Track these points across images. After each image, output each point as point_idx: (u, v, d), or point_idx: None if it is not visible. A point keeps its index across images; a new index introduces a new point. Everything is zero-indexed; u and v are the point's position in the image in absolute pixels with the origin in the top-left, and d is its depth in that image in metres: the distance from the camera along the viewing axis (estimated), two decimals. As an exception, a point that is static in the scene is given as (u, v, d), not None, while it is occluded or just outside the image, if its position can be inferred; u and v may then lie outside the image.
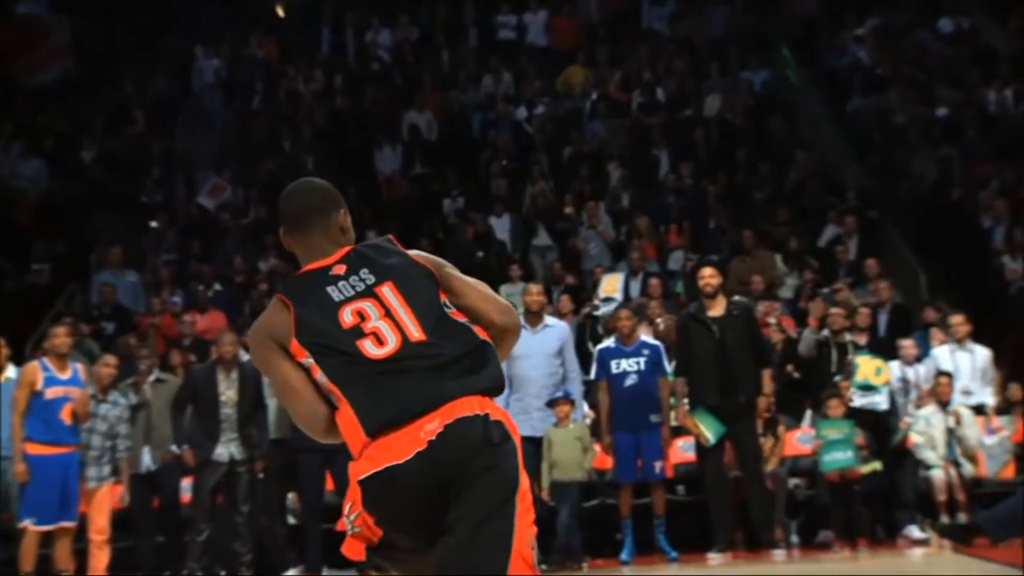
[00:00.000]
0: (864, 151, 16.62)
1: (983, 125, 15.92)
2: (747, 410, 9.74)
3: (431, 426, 3.08)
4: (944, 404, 10.97)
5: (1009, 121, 15.96)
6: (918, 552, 10.17)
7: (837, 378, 11.08)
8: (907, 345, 11.63)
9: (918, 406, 11.17)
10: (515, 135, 17.80)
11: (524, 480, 3.16)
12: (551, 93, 18.64)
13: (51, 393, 9.29)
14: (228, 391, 9.93)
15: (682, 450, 10.60)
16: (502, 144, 17.50)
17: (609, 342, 10.26)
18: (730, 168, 16.41)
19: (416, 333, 3.18)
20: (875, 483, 10.68)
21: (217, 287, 15.26)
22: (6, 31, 19.85)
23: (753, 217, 15.22)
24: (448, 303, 3.30)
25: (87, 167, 18.09)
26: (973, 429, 10.96)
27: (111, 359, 10.22)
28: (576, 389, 10.22)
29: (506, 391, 3.61)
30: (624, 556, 9.83)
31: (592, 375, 10.36)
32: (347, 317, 3.20)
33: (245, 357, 10.72)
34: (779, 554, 9.70)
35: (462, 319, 3.29)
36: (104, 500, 9.74)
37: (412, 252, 3.39)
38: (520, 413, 9.45)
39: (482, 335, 3.29)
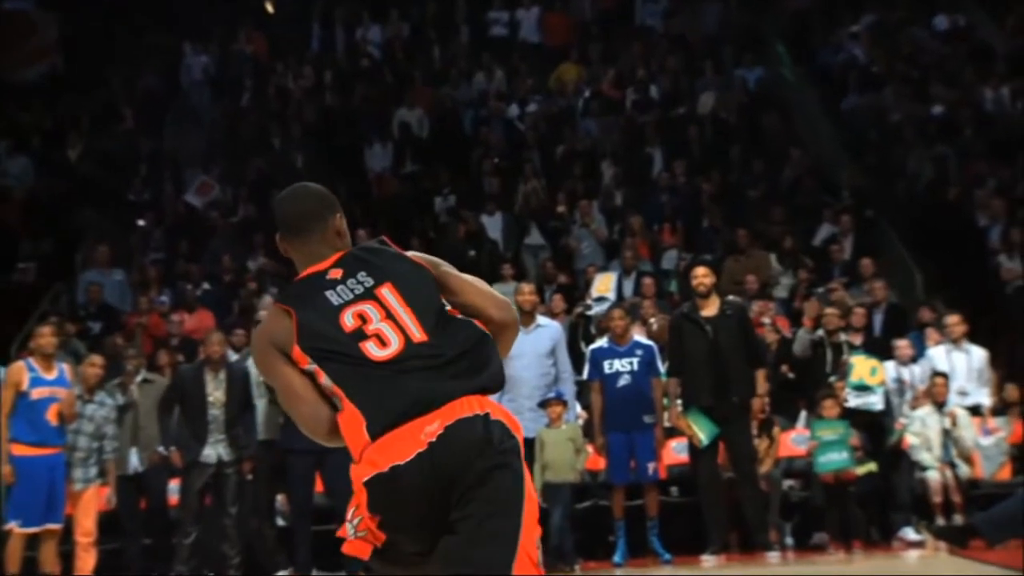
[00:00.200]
0: (859, 149, 16.63)
1: (979, 123, 15.94)
2: (740, 411, 9.74)
3: (431, 428, 3.10)
4: (940, 405, 10.98)
5: (1005, 119, 15.98)
6: (914, 554, 10.19)
7: (832, 378, 11.09)
8: (902, 345, 11.64)
9: (913, 407, 11.17)
10: (507, 133, 17.80)
11: (529, 480, 3.18)
12: (544, 90, 18.64)
13: (37, 394, 9.27)
14: (216, 392, 9.91)
15: (675, 451, 10.59)
16: (494, 142, 17.49)
17: (602, 342, 10.26)
18: (724, 166, 16.42)
19: (418, 334, 3.21)
20: (870, 484, 10.69)
21: (205, 286, 15.21)
22: (-7, 27, 19.82)
23: (747, 216, 15.22)
24: (446, 302, 3.33)
25: (74, 165, 18.05)
26: (969, 430, 10.97)
27: (97, 359, 10.20)
28: (568, 389, 10.21)
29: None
30: (617, 558, 9.83)
31: (585, 375, 10.36)
32: (348, 320, 3.23)
33: (234, 357, 10.73)
34: (773, 556, 9.71)
35: (462, 316, 3.32)
36: (90, 502, 9.72)
37: (408, 253, 3.41)
38: (512, 414, 9.42)
39: (482, 329, 3.32)
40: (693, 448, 9.82)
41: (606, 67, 18.60)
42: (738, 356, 9.74)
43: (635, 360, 9.93)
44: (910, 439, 10.92)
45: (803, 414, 11.51)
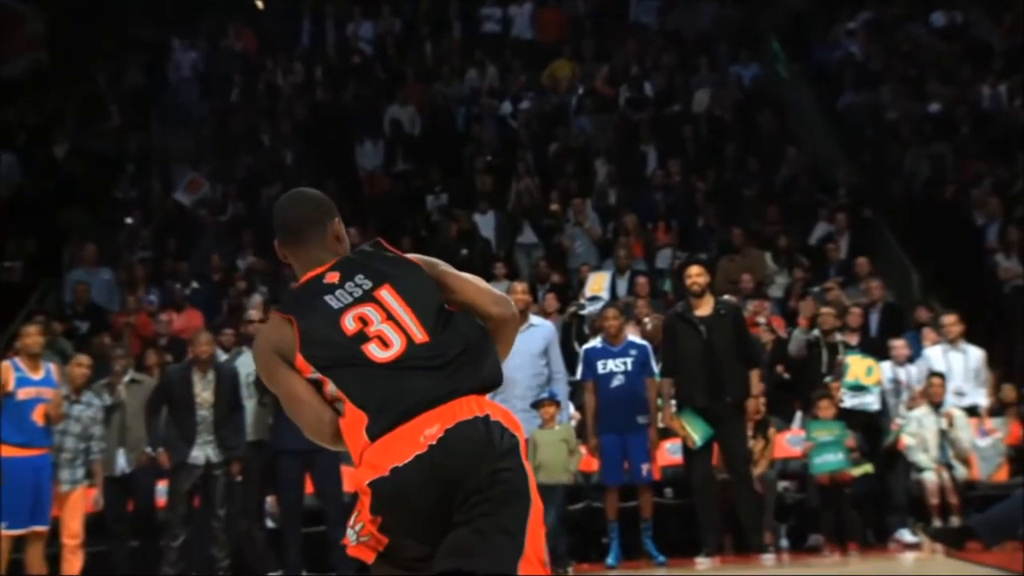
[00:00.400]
0: (855, 147, 16.66)
1: (976, 121, 15.98)
2: (735, 411, 9.74)
3: (431, 430, 3.14)
4: (936, 405, 11.00)
5: (1003, 117, 16.02)
6: (910, 556, 10.21)
7: (827, 379, 11.11)
8: (899, 345, 11.67)
9: (910, 407, 11.20)
10: (500, 130, 17.80)
11: (532, 479, 3.22)
12: (537, 87, 18.63)
13: (23, 394, 9.25)
14: (204, 392, 9.90)
15: (669, 452, 10.61)
16: (487, 139, 17.50)
17: (595, 342, 10.26)
18: (719, 165, 16.44)
19: (419, 334, 3.26)
20: (866, 486, 10.70)
21: (194, 285, 15.21)
22: (-23, 22, 19.78)
23: (742, 214, 15.25)
24: (445, 300, 3.37)
25: (60, 162, 18.01)
26: (966, 431, 10.99)
27: (84, 359, 10.19)
28: (561, 390, 10.21)
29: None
30: (610, 560, 9.83)
31: (578, 375, 10.36)
32: (349, 324, 3.27)
33: (223, 357, 10.73)
34: (768, 558, 9.72)
35: (460, 313, 3.37)
36: (77, 503, 9.70)
37: (406, 254, 3.46)
38: (508, 413, 9.43)
39: (481, 325, 3.37)
40: (687, 449, 9.82)
41: (600, 64, 18.61)
42: (732, 356, 9.74)
43: (629, 360, 9.93)
44: (906, 440, 10.95)
45: (798, 415, 11.53)
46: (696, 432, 9.65)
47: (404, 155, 17.78)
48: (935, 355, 11.47)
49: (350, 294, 3.31)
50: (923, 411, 10.99)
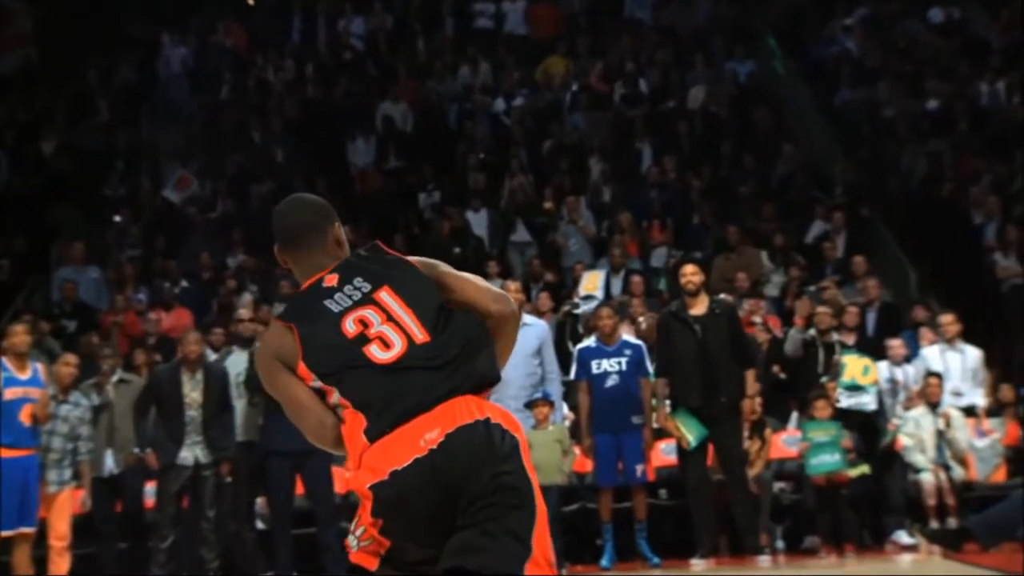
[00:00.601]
0: (852, 145, 16.66)
1: (974, 118, 15.98)
2: (730, 412, 9.73)
3: (431, 435, 3.17)
4: (934, 406, 11.00)
5: (1001, 114, 16.02)
6: (907, 558, 10.22)
7: (824, 379, 11.10)
8: (896, 345, 11.67)
9: (907, 408, 11.20)
10: (493, 127, 17.79)
11: (535, 480, 3.25)
12: (530, 84, 18.62)
13: (10, 394, 9.23)
14: (193, 392, 9.87)
15: (664, 453, 10.59)
16: (480, 136, 17.48)
17: (590, 341, 10.26)
18: (714, 162, 16.44)
19: (420, 335, 3.29)
20: (863, 487, 10.70)
21: (183, 284, 15.20)
22: (-35, 18, 19.74)
23: (738, 212, 15.25)
24: (445, 300, 3.40)
25: (48, 159, 17.99)
26: (963, 431, 11.00)
27: (71, 358, 10.16)
28: (555, 390, 10.21)
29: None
30: (605, 562, 9.83)
31: (572, 375, 10.36)
32: (350, 327, 3.30)
33: (212, 357, 10.71)
34: (764, 560, 9.72)
35: (459, 311, 3.39)
36: (65, 505, 9.67)
37: (406, 257, 3.49)
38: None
39: (479, 322, 3.40)
40: (682, 450, 9.81)
41: (594, 60, 18.60)
42: (727, 356, 9.73)
43: (623, 360, 9.92)
44: (903, 440, 10.95)
45: (794, 415, 11.53)
46: (690, 433, 9.64)
47: (396, 152, 17.76)
48: (932, 355, 11.47)
49: (349, 297, 3.34)
50: (920, 411, 11.00)
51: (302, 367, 3.31)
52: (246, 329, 10.73)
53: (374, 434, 3.20)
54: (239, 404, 10.15)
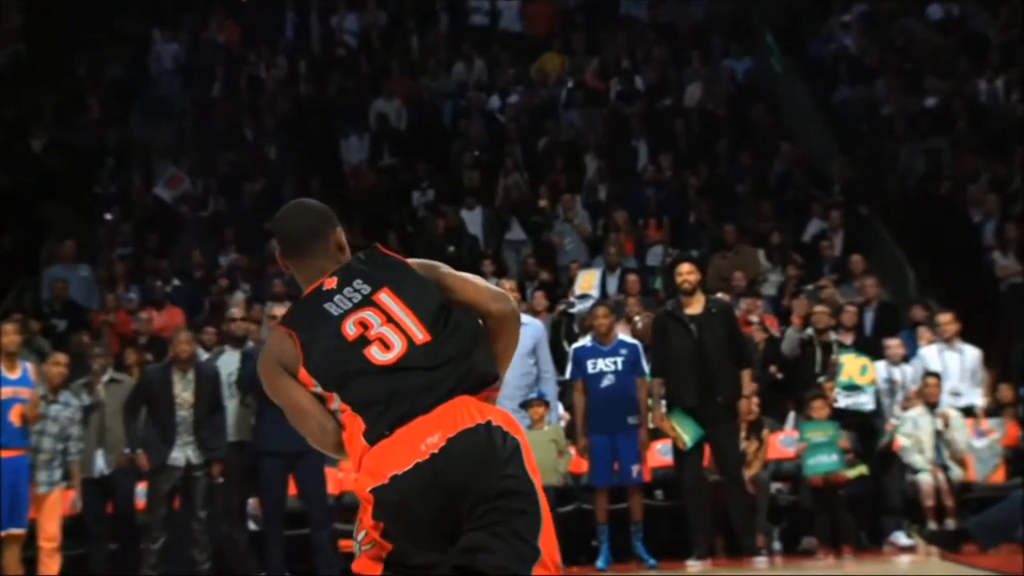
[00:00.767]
0: (850, 143, 16.67)
1: (973, 116, 16.00)
2: (726, 412, 9.73)
3: (432, 439, 3.21)
4: (932, 406, 11.01)
5: (1000, 112, 16.04)
6: (905, 559, 10.23)
7: (821, 379, 11.11)
8: (893, 344, 11.67)
9: (905, 408, 11.21)
10: (488, 125, 17.79)
11: (538, 482, 3.28)
12: (525, 81, 18.62)
13: (-1, 394, 9.23)
14: (184, 392, 9.86)
15: (660, 453, 10.60)
16: (474, 134, 17.48)
17: (585, 341, 10.25)
18: (711, 160, 16.44)
19: (420, 335, 3.33)
20: (860, 487, 10.72)
21: (175, 282, 15.18)
22: (-48, 14, 19.71)
23: (735, 211, 15.25)
24: (446, 300, 3.44)
25: (38, 156, 17.96)
26: (962, 432, 11.00)
27: (61, 357, 10.16)
28: (551, 390, 10.21)
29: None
30: (600, 563, 9.83)
31: (567, 375, 10.36)
32: (350, 329, 3.35)
33: (204, 356, 10.70)
34: (761, 561, 9.72)
35: (458, 309, 3.43)
36: (55, 505, 9.67)
37: (405, 259, 3.53)
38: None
39: (477, 321, 3.45)
40: (677, 450, 9.81)
41: (590, 57, 18.59)
42: (723, 356, 9.73)
43: (619, 360, 9.93)
44: (901, 441, 10.96)
45: (791, 415, 11.54)
46: (686, 433, 9.64)
47: (390, 150, 17.75)
48: (930, 354, 11.48)
49: (349, 300, 3.38)
50: (918, 412, 11.00)
51: (303, 372, 3.36)
52: (238, 328, 10.73)
53: (373, 436, 3.24)
54: (231, 404, 10.14)
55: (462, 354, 3.34)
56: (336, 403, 3.33)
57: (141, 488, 10.52)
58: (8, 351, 9.37)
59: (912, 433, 10.94)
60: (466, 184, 16.46)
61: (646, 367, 10.03)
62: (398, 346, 3.31)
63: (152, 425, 9.95)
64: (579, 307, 12.88)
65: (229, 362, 10.33)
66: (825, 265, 14.21)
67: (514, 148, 17.01)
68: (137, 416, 10.11)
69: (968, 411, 11.28)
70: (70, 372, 10.22)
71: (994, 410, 11.51)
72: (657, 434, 10.32)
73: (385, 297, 3.37)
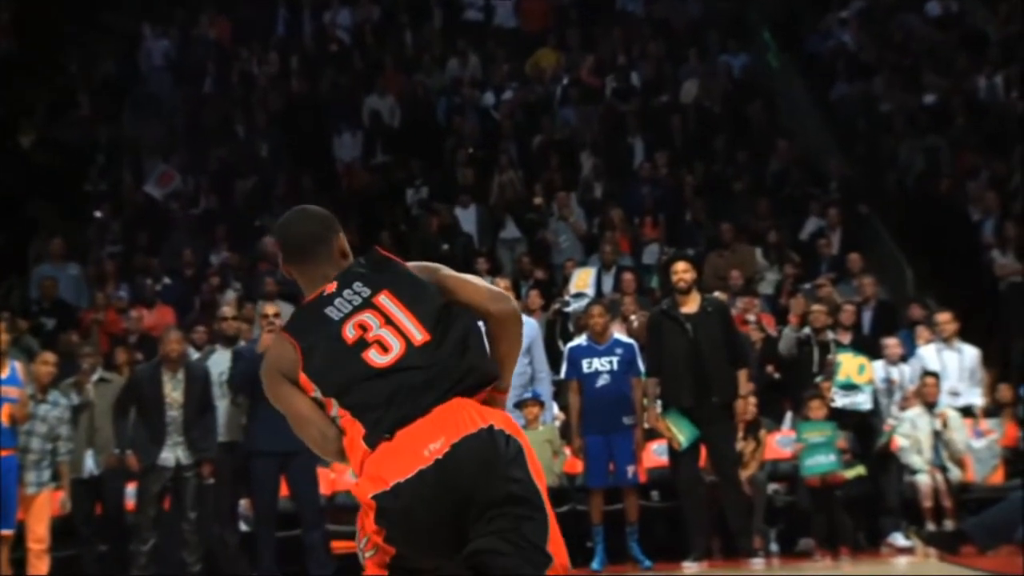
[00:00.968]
0: (848, 140, 16.69)
1: (972, 113, 16.01)
2: (722, 412, 9.72)
3: (435, 445, 3.23)
4: (930, 406, 11.02)
5: (999, 109, 16.05)
6: (903, 560, 10.24)
7: (818, 379, 11.12)
8: (892, 344, 11.68)
9: (903, 408, 11.21)
10: (482, 122, 17.79)
11: (542, 480, 3.33)
12: (520, 78, 18.62)
13: (-13, 393, 9.21)
14: (173, 392, 9.84)
15: (656, 454, 10.61)
16: (468, 131, 17.48)
17: (580, 340, 10.25)
18: (708, 157, 16.45)
19: (419, 335, 3.36)
20: (858, 488, 10.73)
21: (165, 281, 15.17)
22: (-59, 9, 19.67)
23: (732, 209, 15.26)
24: (446, 302, 3.47)
25: (27, 153, 17.94)
26: (960, 432, 11.01)
27: (49, 356, 10.14)
28: (545, 390, 10.21)
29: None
30: (595, 565, 9.83)
31: (562, 375, 10.34)
32: (350, 332, 3.38)
33: (195, 355, 10.69)
34: (757, 563, 9.73)
35: (458, 309, 3.47)
36: (44, 506, 9.67)
37: (405, 262, 3.57)
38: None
39: (475, 321, 3.48)
40: (673, 451, 9.81)
41: (585, 53, 18.60)
42: (719, 355, 9.71)
43: (615, 359, 9.92)
44: (899, 441, 10.96)
45: (788, 415, 11.54)
46: (682, 433, 9.63)
47: (383, 147, 17.75)
48: (929, 354, 11.49)
49: (349, 302, 3.42)
50: (917, 412, 11.01)
51: (303, 378, 3.40)
52: (229, 327, 10.72)
53: (373, 440, 3.27)
54: (222, 404, 10.13)
55: (461, 354, 3.36)
56: (335, 409, 3.36)
57: (131, 489, 10.50)
58: (-4, 350, 9.36)
59: (910, 433, 10.94)
60: (460, 182, 16.46)
61: (642, 367, 10.03)
62: (396, 348, 3.34)
63: (141, 425, 9.94)
64: (574, 306, 12.86)
65: (220, 361, 10.32)
66: (823, 264, 14.22)
67: (509, 145, 17.01)
68: (126, 416, 10.10)
69: (967, 411, 11.29)
70: (59, 371, 10.22)
71: (993, 410, 11.53)
72: (653, 434, 10.33)
73: (384, 299, 3.40)
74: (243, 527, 10.68)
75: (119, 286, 14.96)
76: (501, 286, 9.99)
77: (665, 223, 15.37)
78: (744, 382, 9.86)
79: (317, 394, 3.39)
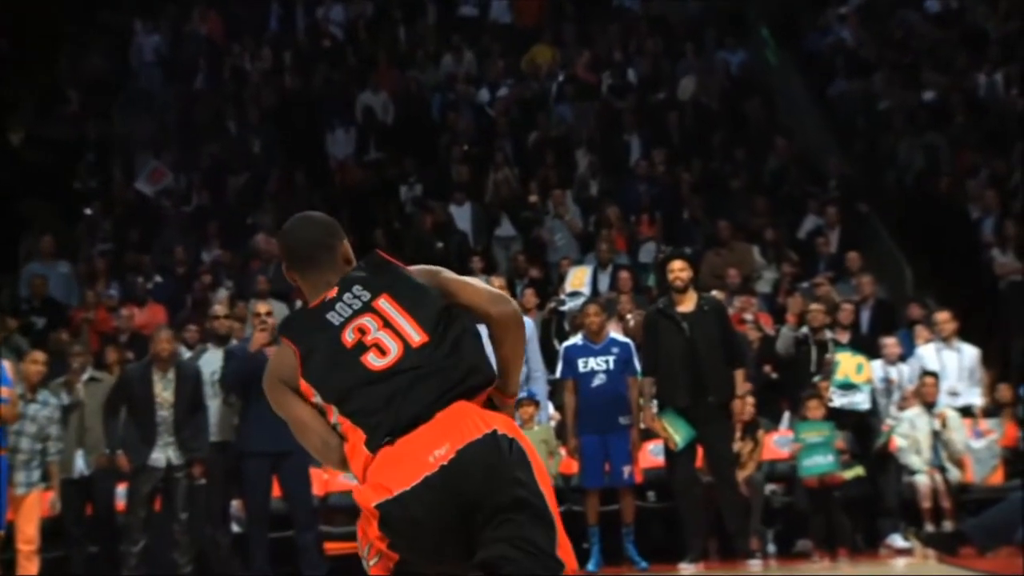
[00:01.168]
0: (847, 138, 16.70)
1: (972, 111, 16.02)
2: (718, 412, 9.73)
3: (440, 451, 3.25)
4: (929, 406, 11.03)
5: (999, 106, 16.06)
6: (901, 562, 10.26)
7: (816, 378, 11.12)
8: (890, 343, 11.70)
9: (902, 408, 11.23)
10: (477, 118, 17.78)
11: (547, 485, 3.33)
12: (515, 74, 18.61)
13: (-24, 393, 9.20)
14: (164, 392, 9.84)
15: (652, 454, 10.60)
16: (463, 128, 17.47)
17: (576, 339, 10.26)
18: (705, 155, 16.45)
19: (417, 337, 3.39)
20: (856, 489, 10.74)
21: (157, 279, 15.17)
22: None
23: (729, 207, 15.26)
24: (447, 304, 3.49)
25: (16, 150, 17.93)
26: (960, 432, 11.03)
27: (39, 355, 10.14)
28: (541, 389, 10.21)
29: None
30: (591, 566, 9.83)
31: (558, 374, 10.36)
32: (349, 336, 3.41)
33: (187, 354, 10.69)
34: (755, 564, 9.74)
35: (457, 312, 3.49)
36: (33, 507, 9.66)
37: (409, 267, 3.59)
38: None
39: (473, 324, 3.50)
40: (669, 451, 9.81)
41: (581, 49, 18.59)
42: (716, 355, 9.71)
43: (611, 358, 9.93)
44: (898, 441, 10.98)
45: (786, 415, 11.55)
46: (678, 433, 9.63)
47: (377, 144, 17.74)
48: (928, 354, 11.50)
49: (350, 307, 3.45)
50: (915, 412, 11.02)
51: (302, 383, 3.43)
52: (221, 326, 10.72)
53: (374, 445, 3.29)
54: (214, 403, 10.14)
55: (459, 355, 3.38)
56: (335, 416, 3.38)
57: (121, 489, 10.52)
58: (-15, 349, 9.36)
59: (909, 433, 10.96)
60: (455, 179, 16.45)
61: (638, 366, 10.03)
62: (394, 351, 3.37)
63: (132, 425, 9.94)
64: (570, 305, 12.87)
65: (212, 360, 10.32)
66: (821, 262, 14.23)
67: (504, 142, 17.02)
68: (117, 416, 10.10)
69: (966, 411, 11.31)
70: (49, 370, 10.22)
71: (993, 410, 11.54)
72: (649, 434, 10.33)
73: (384, 303, 3.43)
74: (235, 528, 10.69)
75: (110, 284, 14.95)
76: (496, 285, 10.01)
77: (662, 221, 15.36)
78: (741, 382, 9.86)
79: (318, 399, 3.41)
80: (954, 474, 10.92)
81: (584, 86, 17.94)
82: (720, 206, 15.24)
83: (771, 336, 11.92)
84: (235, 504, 10.63)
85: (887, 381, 11.50)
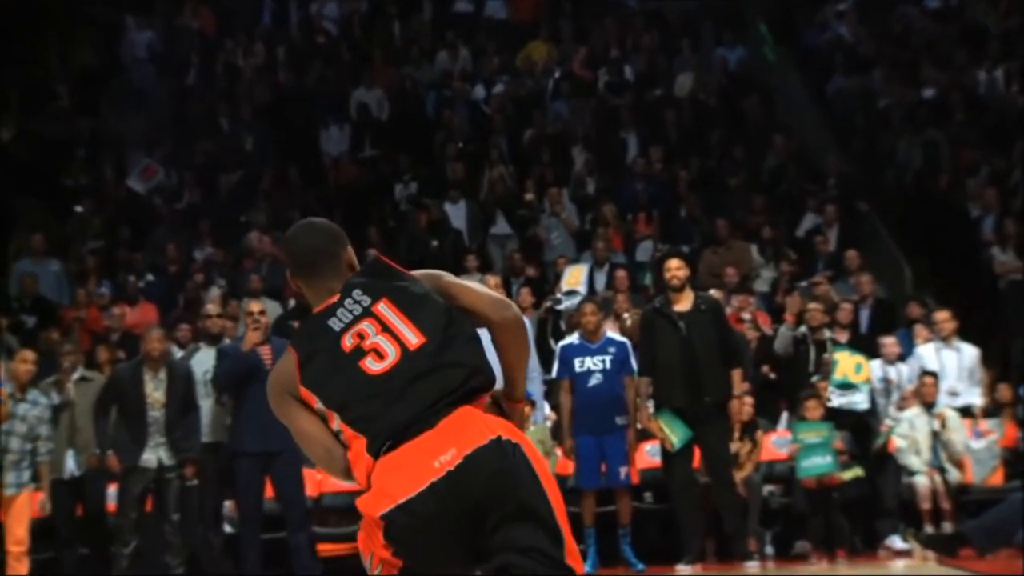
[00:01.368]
0: (845, 135, 16.71)
1: (972, 108, 16.03)
2: (715, 412, 9.72)
3: (445, 457, 3.28)
4: (929, 406, 11.04)
5: (999, 103, 16.08)
6: (900, 563, 10.27)
7: (815, 378, 11.13)
8: (889, 343, 11.70)
9: (901, 408, 11.23)
10: (472, 115, 17.77)
11: (552, 486, 3.36)
12: (511, 70, 18.61)
13: (-35, 392, 9.20)
14: (155, 392, 9.82)
15: (649, 455, 10.60)
16: (458, 125, 17.47)
17: (572, 339, 10.25)
18: (703, 152, 16.46)
19: (415, 339, 3.41)
20: (855, 490, 10.74)
21: (148, 277, 15.16)
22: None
23: (727, 205, 15.27)
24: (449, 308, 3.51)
25: (6, 147, 17.89)
26: (959, 432, 11.03)
27: (29, 354, 10.11)
28: (536, 389, 10.20)
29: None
30: (587, 568, 9.81)
31: (554, 374, 10.35)
32: (348, 341, 3.44)
33: (179, 354, 10.68)
34: (753, 566, 9.73)
35: (458, 314, 3.51)
36: (23, 508, 9.64)
37: (411, 271, 3.61)
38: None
39: (472, 327, 3.52)
40: (666, 452, 9.81)
41: (577, 46, 18.59)
42: (713, 355, 9.71)
43: (607, 358, 9.93)
44: (897, 442, 10.98)
45: (784, 416, 11.55)
46: (674, 434, 9.64)
47: (371, 141, 17.74)
48: (927, 353, 11.51)
49: (350, 312, 3.47)
50: (915, 412, 11.03)
51: (302, 390, 3.46)
52: (214, 325, 10.71)
53: (376, 450, 3.32)
54: (206, 403, 10.13)
55: (459, 357, 3.40)
56: (337, 423, 3.41)
57: (112, 490, 10.50)
58: (-26, 348, 9.35)
59: (908, 434, 10.97)
60: (450, 177, 16.44)
61: (635, 366, 10.03)
62: (392, 355, 3.39)
63: (123, 425, 9.92)
64: (566, 304, 12.87)
65: (204, 360, 10.31)
66: (819, 261, 14.24)
67: (499, 140, 17.02)
68: (107, 416, 10.08)
69: (966, 411, 11.31)
70: (39, 370, 10.19)
71: (992, 410, 11.55)
72: (646, 435, 10.33)
73: (383, 307, 3.45)
74: (227, 528, 10.69)
75: (101, 282, 14.92)
76: (491, 284, 10.02)
77: (659, 219, 15.37)
78: (738, 382, 9.87)
79: (319, 406, 3.44)
80: (954, 475, 10.93)
81: (580, 83, 17.94)
82: (718, 204, 15.25)
83: (769, 336, 11.92)
84: (227, 505, 10.62)
85: (886, 381, 11.50)
